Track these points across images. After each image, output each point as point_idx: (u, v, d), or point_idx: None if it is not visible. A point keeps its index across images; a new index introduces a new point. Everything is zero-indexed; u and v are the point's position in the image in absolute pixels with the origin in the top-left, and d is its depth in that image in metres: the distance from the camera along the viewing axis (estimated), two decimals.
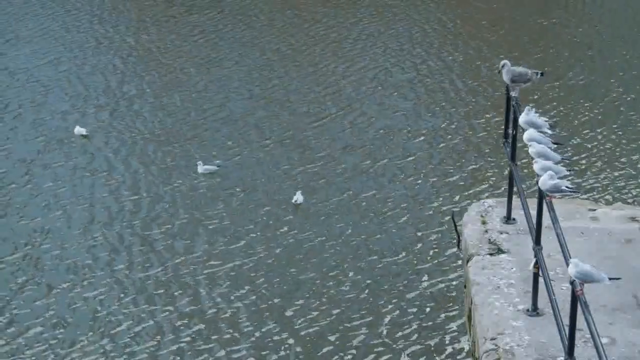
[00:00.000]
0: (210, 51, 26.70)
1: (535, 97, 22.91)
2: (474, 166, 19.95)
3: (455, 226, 12.68)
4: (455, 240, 13.14)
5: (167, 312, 15.23)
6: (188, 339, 14.66)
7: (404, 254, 16.78)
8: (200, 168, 19.57)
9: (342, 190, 18.97)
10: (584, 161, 19.97)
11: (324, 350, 14.44)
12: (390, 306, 15.38)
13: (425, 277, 16.13)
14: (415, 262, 16.55)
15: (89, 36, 28.05)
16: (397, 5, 30.38)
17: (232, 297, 15.63)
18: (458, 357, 14.24)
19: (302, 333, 14.80)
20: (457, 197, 18.61)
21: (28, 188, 19.17)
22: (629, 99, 23.31)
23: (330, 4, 30.62)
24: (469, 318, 11.14)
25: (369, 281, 16.04)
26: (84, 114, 22.70)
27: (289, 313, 15.24)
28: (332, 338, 14.68)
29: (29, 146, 21.07)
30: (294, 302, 15.51)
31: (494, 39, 27.48)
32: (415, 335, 14.76)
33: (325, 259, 16.67)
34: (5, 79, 24.93)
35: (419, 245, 17.06)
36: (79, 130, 21.57)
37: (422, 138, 21.31)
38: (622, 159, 20.14)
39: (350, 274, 16.24)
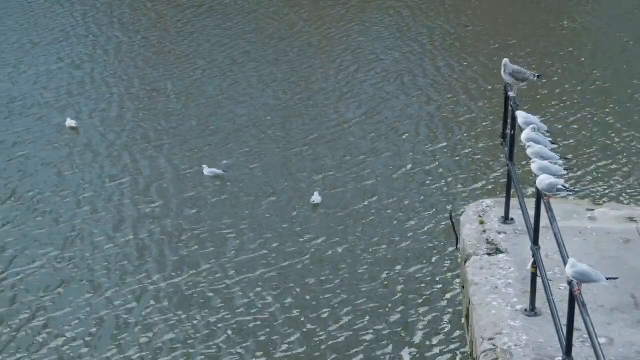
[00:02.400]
0: (228, 54, 26.65)
1: (544, 99, 22.91)
2: (473, 166, 19.91)
3: (454, 226, 12.70)
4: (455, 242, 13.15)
5: (182, 320, 15.16)
6: (202, 348, 14.61)
7: (407, 255, 16.73)
8: (206, 170, 19.56)
9: (352, 192, 18.91)
10: (586, 163, 19.91)
11: (334, 355, 14.38)
12: (399, 310, 15.27)
13: (437, 280, 16.01)
14: (420, 263, 16.48)
15: (109, 39, 28.09)
16: (414, 7, 30.33)
17: (245, 301, 15.59)
18: None
19: (315, 339, 14.70)
20: (455, 197, 18.56)
21: (52, 190, 19.16)
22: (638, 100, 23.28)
23: (349, 5, 30.63)
24: (467, 318, 11.14)
25: (373, 283, 15.98)
26: (105, 116, 22.66)
27: (299, 317, 15.15)
28: (343, 341, 14.62)
29: (51, 148, 21.09)
30: (306, 307, 15.39)
31: (500, 42, 27.43)
32: (423, 336, 14.67)
33: (336, 261, 16.65)
34: (27, 80, 24.97)
35: (424, 245, 17.00)
36: (69, 122, 21.64)
37: (424, 138, 21.28)
38: (625, 160, 20.06)
39: (357, 275, 16.19)
